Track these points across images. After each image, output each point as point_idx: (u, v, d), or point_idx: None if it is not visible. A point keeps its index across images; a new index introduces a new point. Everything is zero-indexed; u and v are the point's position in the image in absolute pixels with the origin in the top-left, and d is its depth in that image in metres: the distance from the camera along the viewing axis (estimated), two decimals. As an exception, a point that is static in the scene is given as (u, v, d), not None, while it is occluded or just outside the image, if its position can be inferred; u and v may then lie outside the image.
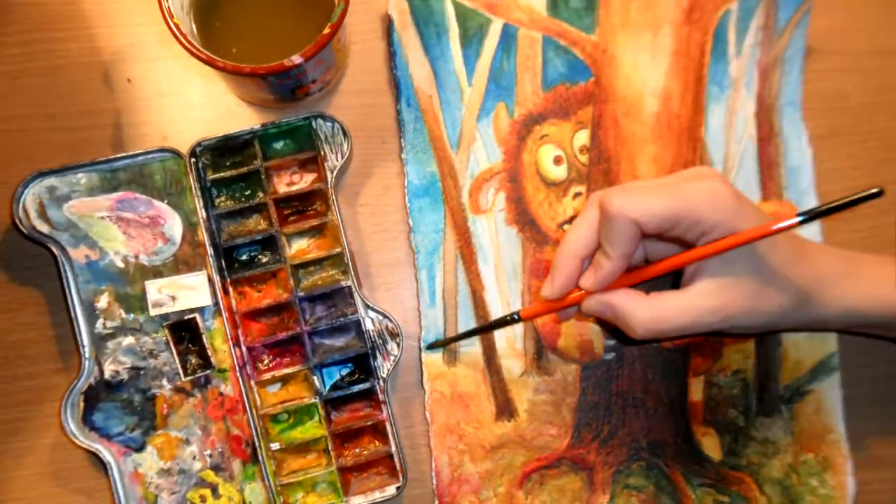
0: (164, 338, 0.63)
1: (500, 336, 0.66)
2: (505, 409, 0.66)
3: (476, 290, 0.66)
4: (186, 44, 0.55)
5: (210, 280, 0.63)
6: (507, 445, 0.65)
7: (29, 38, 0.65)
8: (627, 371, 0.66)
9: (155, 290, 0.63)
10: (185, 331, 0.64)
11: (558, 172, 0.67)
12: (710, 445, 0.66)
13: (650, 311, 0.56)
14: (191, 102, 0.66)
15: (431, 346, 0.65)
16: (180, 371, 0.63)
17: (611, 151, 0.68)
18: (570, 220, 0.67)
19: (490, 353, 0.66)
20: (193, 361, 0.64)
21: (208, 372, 0.63)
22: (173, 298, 0.64)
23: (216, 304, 0.63)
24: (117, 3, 0.66)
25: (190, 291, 0.64)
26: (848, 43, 0.70)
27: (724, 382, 0.66)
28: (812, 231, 0.67)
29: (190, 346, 0.64)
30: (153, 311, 0.63)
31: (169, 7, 0.55)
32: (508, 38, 0.68)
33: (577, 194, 0.67)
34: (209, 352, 0.63)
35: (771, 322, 0.57)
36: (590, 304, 0.59)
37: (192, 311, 0.64)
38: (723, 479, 0.66)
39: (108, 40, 0.66)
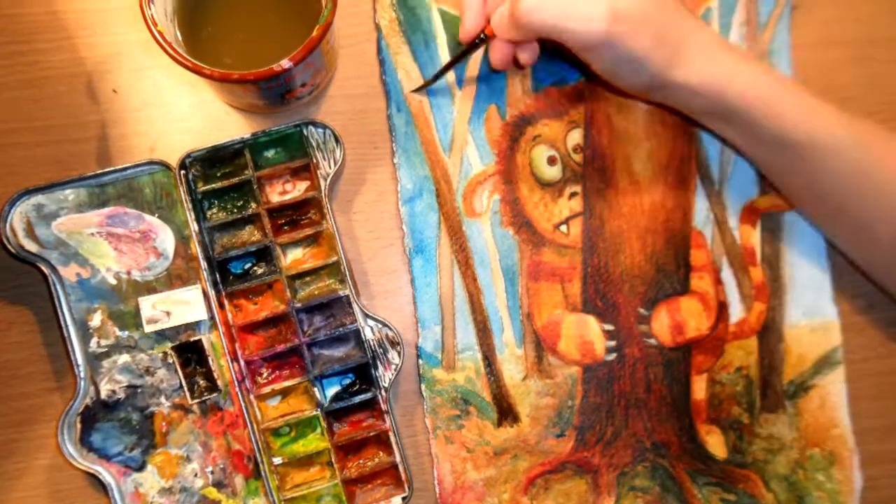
0: (160, 354, 0.62)
1: (500, 341, 0.65)
2: (507, 414, 0.65)
3: (473, 295, 0.65)
4: (172, 52, 0.54)
5: (205, 294, 0.62)
6: (511, 451, 0.65)
7: (10, 49, 0.64)
8: (629, 371, 0.66)
9: (149, 306, 0.62)
10: (190, 352, 0.63)
11: (553, 173, 0.67)
12: (715, 444, 0.66)
13: None
14: (179, 112, 0.65)
15: (416, 90, 0.66)
16: (187, 394, 0.62)
17: (605, 149, 0.67)
18: (566, 221, 0.66)
19: (490, 359, 0.65)
20: (201, 384, 0.63)
21: (216, 395, 0.62)
22: (168, 314, 0.62)
23: (212, 317, 0.62)
24: (100, 12, 0.65)
25: (185, 306, 0.62)
26: (840, 33, 0.70)
27: (726, 380, 0.66)
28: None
29: (197, 367, 0.63)
30: (148, 328, 0.62)
31: (152, 15, 0.54)
32: (496, 41, 0.67)
33: (573, 194, 0.67)
34: (215, 374, 0.62)
35: (637, 61, 0.58)
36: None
37: (187, 325, 0.62)
38: (729, 477, 0.65)
39: (92, 50, 0.65)
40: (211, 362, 0.62)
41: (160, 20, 0.55)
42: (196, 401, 0.62)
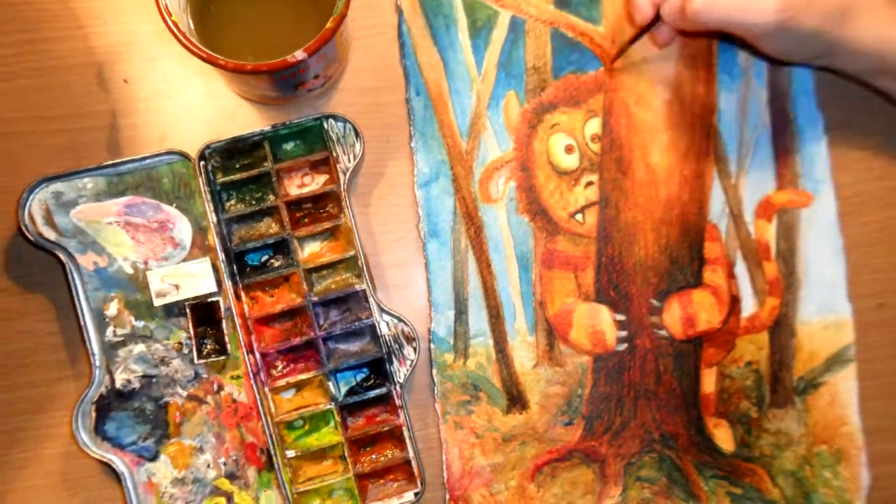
0: (175, 344, 0.62)
1: (512, 328, 0.65)
2: (516, 401, 0.66)
3: (487, 280, 0.65)
4: (186, 42, 0.53)
5: (214, 266, 0.62)
6: (519, 438, 0.65)
7: (21, 38, 0.63)
8: (640, 362, 0.66)
9: (157, 279, 0.62)
10: (204, 314, 0.63)
11: (570, 161, 0.66)
12: (723, 437, 0.67)
13: None
14: (190, 102, 0.64)
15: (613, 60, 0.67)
16: (195, 353, 0.62)
17: (623, 140, 0.67)
18: (582, 210, 0.66)
19: (502, 345, 0.65)
20: (209, 346, 0.63)
21: (223, 357, 0.63)
22: (177, 287, 0.62)
23: (220, 290, 0.63)
24: (111, 1, 0.63)
25: (193, 279, 0.62)
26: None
27: (736, 373, 0.67)
28: (829, 219, 0.67)
29: (208, 329, 0.63)
30: (157, 301, 0.62)
31: (166, 5, 0.53)
32: (516, 29, 0.66)
33: (589, 183, 0.66)
34: (226, 338, 0.63)
35: (809, 37, 0.60)
36: None
37: (196, 298, 0.63)
38: (735, 471, 0.66)
39: (103, 39, 0.63)
40: (223, 326, 0.63)
41: (174, 10, 0.53)
42: (202, 361, 0.63)
